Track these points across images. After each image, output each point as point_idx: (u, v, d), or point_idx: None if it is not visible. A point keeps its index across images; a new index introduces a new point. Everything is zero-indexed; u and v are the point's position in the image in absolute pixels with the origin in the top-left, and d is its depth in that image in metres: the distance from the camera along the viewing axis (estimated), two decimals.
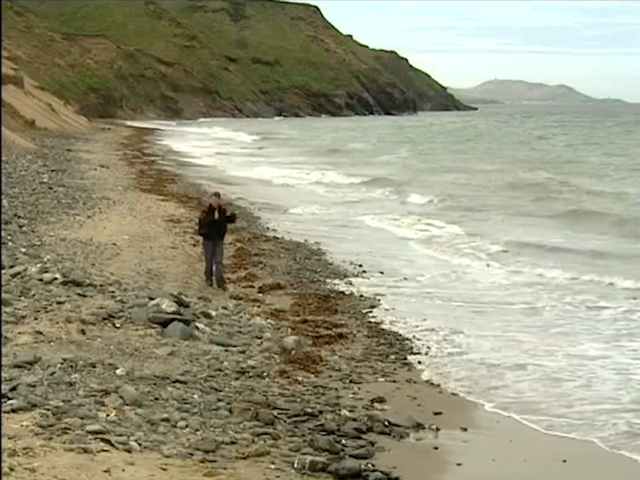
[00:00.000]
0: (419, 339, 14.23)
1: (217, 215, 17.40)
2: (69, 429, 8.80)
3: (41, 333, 12.23)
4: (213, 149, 68.68)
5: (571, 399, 11.71)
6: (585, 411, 11.27)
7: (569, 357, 13.57)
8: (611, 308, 16.79)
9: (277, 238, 23.80)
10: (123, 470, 8.05)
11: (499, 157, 58.78)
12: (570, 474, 9.54)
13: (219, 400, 10.40)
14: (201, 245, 18.58)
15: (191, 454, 8.73)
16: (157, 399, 10.14)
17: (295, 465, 8.86)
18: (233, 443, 9.18)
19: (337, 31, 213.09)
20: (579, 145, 71.69)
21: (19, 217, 22.62)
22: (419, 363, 13.00)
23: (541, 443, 10.29)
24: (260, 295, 16.96)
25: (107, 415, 9.38)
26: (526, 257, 22.27)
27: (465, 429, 10.51)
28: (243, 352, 12.74)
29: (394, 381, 12.11)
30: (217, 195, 18.39)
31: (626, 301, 17.36)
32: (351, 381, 11.91)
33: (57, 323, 12.82)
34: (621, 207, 32.28)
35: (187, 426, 9.40)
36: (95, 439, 8.66)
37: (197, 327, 13.54)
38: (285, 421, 10.04)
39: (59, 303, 13.81)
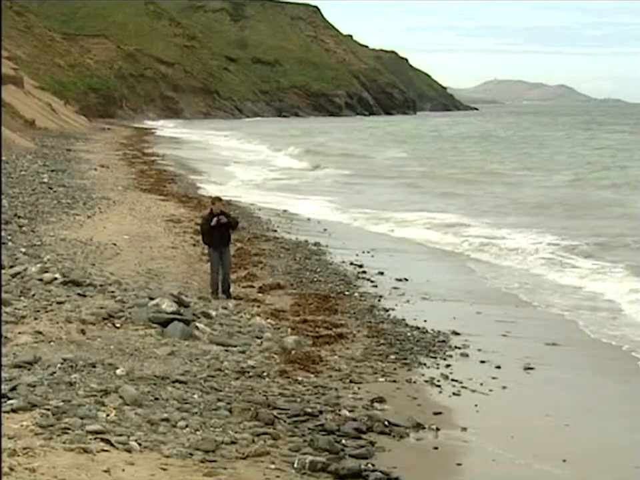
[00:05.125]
0: (418, 339, 14.22)
1: (214, 221, 16.32)
2: (69, 429, 8.79)
3: (41, 332, 12.22)
4: None
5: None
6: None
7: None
8: None
9: (277, 238, 23.79)
10: (123, 470, 8.05)
11: None
12: (571, 473, 9.53)
13: (219, 400, 10.39)
14: (207, 255, 17.60)
15: (191, 454, 8.72)
16: (157, 398, 10.13)
17: (295, 465, 8.85)
18: (233, 442, 9.17)
19: (337, 30, 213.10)
20: None
21: (19, 217, 22.63)
22: (419, 363, 13.00)
23: (543, 442, 10.29)
24: (260, 295, 16.93)
25: (107, 415, 9.37)
26: None
27: (465, 429, 10.51)
28: (243, 352, 12.72)
29: (394, 381, 12.09)
30: (219, 199, 17.35)
31: None
32: (351, 381, 11.90)
33: (57, 322, 12.82)
34: None
35: (186, 426, 9.39)
36: (95, 439, 8.65)
37: (196, 326, 13.53)
38: (285, 421, 10.03)
39: (59, 303, 13.81)
